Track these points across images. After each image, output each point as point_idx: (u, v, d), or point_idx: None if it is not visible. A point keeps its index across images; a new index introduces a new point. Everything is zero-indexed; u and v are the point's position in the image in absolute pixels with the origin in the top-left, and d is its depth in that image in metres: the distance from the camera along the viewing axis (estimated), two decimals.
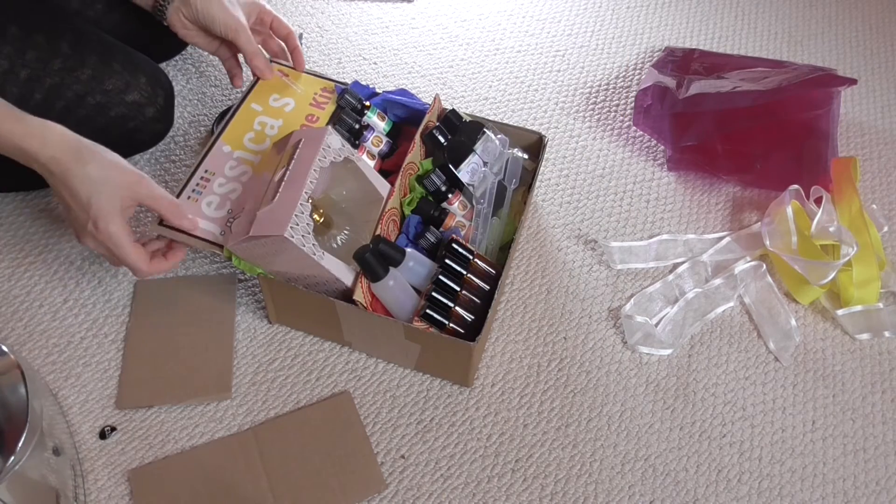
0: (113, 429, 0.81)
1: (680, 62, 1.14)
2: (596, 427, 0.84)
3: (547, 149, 0.97)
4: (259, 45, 0.93)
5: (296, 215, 0.72)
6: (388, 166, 0.93)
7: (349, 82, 0.97)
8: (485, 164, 0.91)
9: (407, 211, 0.88)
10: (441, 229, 0.87)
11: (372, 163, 0.91)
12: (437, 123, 0.92)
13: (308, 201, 0.74)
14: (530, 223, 1.01)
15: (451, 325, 0.78)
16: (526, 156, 0.96)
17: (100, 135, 0.80)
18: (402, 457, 0.81)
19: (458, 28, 1.26)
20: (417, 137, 0.90)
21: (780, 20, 1.33)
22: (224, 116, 0.91)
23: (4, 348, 0.70)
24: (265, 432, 0.81)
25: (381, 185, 0.84)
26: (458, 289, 0.80)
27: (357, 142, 0.91)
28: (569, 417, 0.85)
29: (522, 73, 1.20)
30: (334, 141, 0.80)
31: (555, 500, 0.79)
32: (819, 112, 1.02)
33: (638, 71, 1.22)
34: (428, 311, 0.77)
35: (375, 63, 1.19)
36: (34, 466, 0.68)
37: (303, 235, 0.72)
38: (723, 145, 1.04)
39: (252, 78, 0.96)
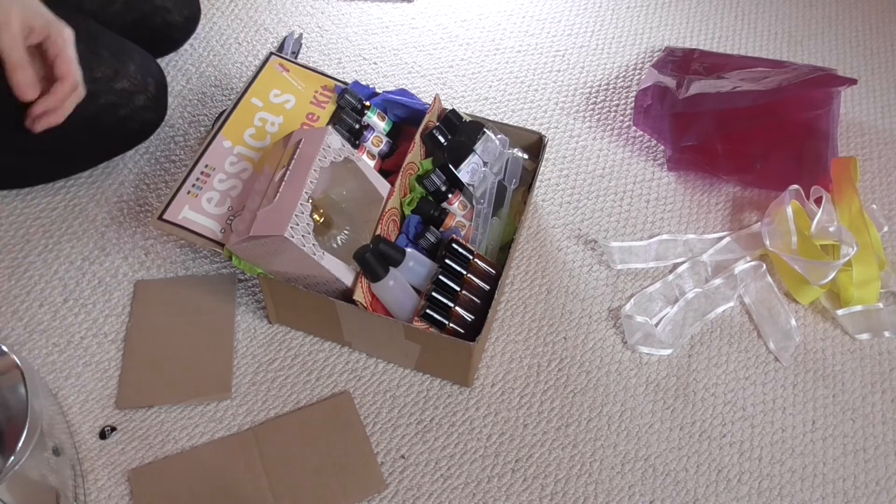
0: (113, 429, 0.81)
1: (680, 62, 1.14)
2: (596, 427, 0.84)
3: (547, 149, 0.97)
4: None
5: (296, 215, 0.72)
6: (388, 166, 0.93)
7: (349, 82, 0.97)
8: (485, 164, 0.91)
9: (407, 211, 0.88)
10: (441, 229, 0.87)
11: (372, 163, 0.91)
12: (437, 123, 0.92)
13: (308, 201, 0.74)
14: (530, 223, 1.01)
15: (451, 325, 0.78)
16: (526, 156, 0.96)
17: (91, 124, 0.79)
18: (402, 457, 0.81)
19: (458, 28, 1.26)
20: (417, 137, 0.90)
21: (780, 20, 1.33)
22: (222, 116, 0.90)
23: (4, 348, 0.70)
24: (265, 432, 0.81)
25: (381, 185, 0.84)
26: (458, 289, 0.80)
27: (357, 142, 0.91)
28: (569, 417, 0.85)
29: (522, 73, 1.20)
30: (334, 141, 0.80)
31: (555, 500, 0.79)
32: (819, 112, 1.02)
33: (638, 71, 1.22)
34: (428, 311, 0.77)
35: (375, 63, 1.19)
36: (34, 466, 0.68)
37: (303, 235, 0.72)
38: (723, 145, 1.04)
39: (257, 65, 0.94)
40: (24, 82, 0.74)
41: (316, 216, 0.79)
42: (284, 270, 0.79)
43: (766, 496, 0.81)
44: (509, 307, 0.93)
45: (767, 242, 0.97)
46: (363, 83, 0.97)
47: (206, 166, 0.85)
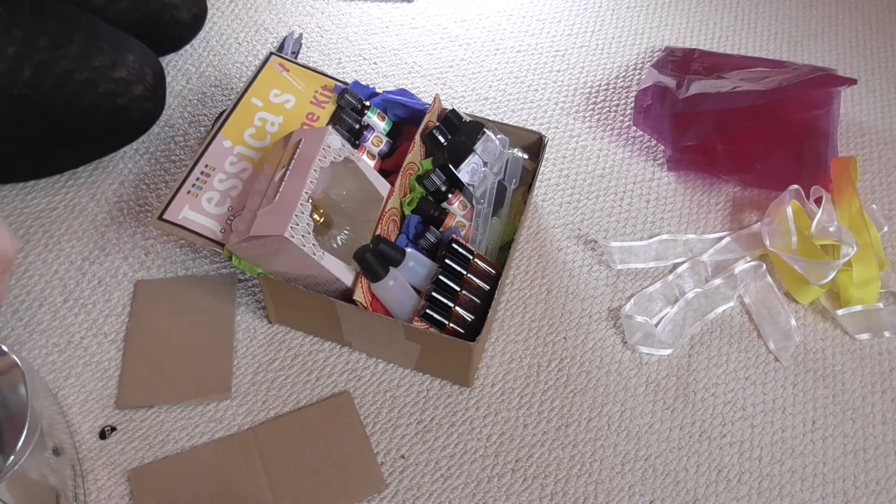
0: (113, 429, 0.81)
1: (680, 62, 1.14)
2: (596, 427, 0.84)
3: (547, 149, 0.97)
4: None
5: (296, 215, 0.72)
6: (388, 166, 0.93)
7: (349, 82, 0.97)
8: (485, 164, 0.91)
9: (407, 211, 0.88)
10: (441, 229, 0.87)
11: (372, 163, 0.91)
12: (437, 123, 0.92)
13: (308, 201, 0.74)
14: (530, 223, 1.01)
15: (451, 325, 0.78)
16: (526, 156, 0.96)
17: (89, 113, 0.79)
18: (402, 457, 0.81)
19: (458, 28, 1.26)
20: (417, 137, 0.89)
21: (780, 20, 1.33)
22: (222, 116, 0.90)
23: (4, 348, 0.70)
24: (265, 432, 0.81)
25: (381, 185, 0.84)
26: (458, 289, 0.80)
27: (357, 142, 0.91)
28: (569, 417, 0.85)
29: (522, 73, 1.20)
30: (334, 141, 0.80)
31: (555, 500, 0.79)
32: (819, 112, 1.02)
33: (638, 71, 1.22)
34: (428, 311, 0.77)
35: (375, 63, 1.19)
36: (34, 466, 0.68)
37: (303, 235, 0.72)
38: (723, 145, 1.04)
39: (257, 65, 0.94)
40: None
41: (316, 216, 0.79)
42: (284, 270, 0.79)
43: (766, 496, 0.81)
44: (509, 307, 0.93)
45: (767, 242, 0.97)
46: (363, 83, 0.97)
47: (206, 166, 0.85)
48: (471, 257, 0.82)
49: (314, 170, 0.76)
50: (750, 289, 0.96)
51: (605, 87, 1.19)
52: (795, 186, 0.99)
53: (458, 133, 0.91)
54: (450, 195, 0.88)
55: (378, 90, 0.98)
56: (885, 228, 1.02)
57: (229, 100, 1.12)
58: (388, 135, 0.94)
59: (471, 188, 0.89)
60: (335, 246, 0.82)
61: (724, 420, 0.86)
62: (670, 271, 0.97)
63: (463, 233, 0.88)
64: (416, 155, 0.90)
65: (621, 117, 1.15)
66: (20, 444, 0.64)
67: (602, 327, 0.92)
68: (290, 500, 0.77)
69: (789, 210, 0.97)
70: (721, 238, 1.00)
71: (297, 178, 0.76)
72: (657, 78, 1.10)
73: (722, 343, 0.92)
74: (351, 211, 0.85)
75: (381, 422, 0.83)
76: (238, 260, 0.79)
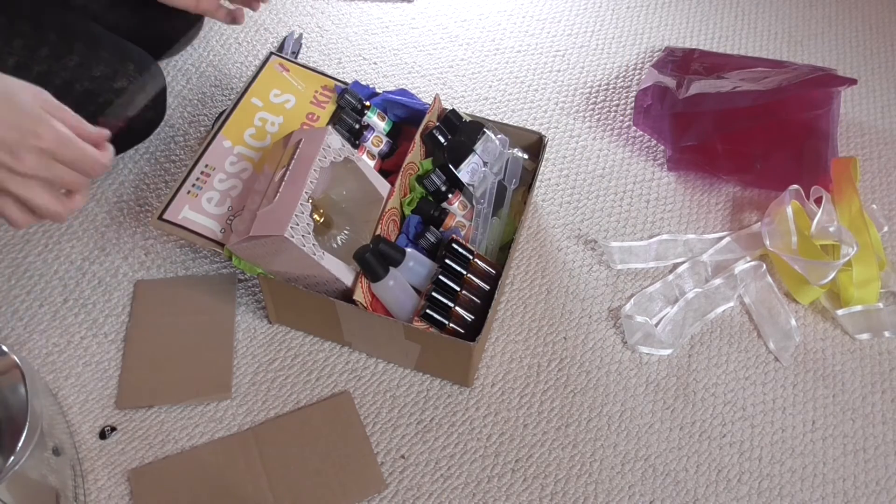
0: (113, 429, 0.81)
1: (680, 62, 1.14)
2: (596, 427, 0.84)
3: (547, 149, 0.97)
4: None
5: (296, 215, 0.72)
6: (388, 166, 0.93)
7: (349, 82, 0.97)
8: (485, 164, 0.91)
9: (407, 211, 0.88)
10: (441, 229, 0.87)
11: (372, 163, 0.91)
12: (437, 123, 0.92)
13: (308, 201, 0.74)
14: (530, 223, 1.01)
15: (451, 325, 0.78)
16: (526, 156, 0.96)
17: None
18: (402, 457, 0.81)
19: (458, 28, 1.26)
20: (417, 137, 0.89)
21: (780, 20, 1.33)
22: (222, 116, 0.90)
23: (4, 348, 0.70)
24: (265, 432, 0.81)
25: (381, 185, 0.84)
26: (458, 289, 0.80)
27: (357, 142, 0.91)
28: (569, 417, 0.85)
29: (522, 73, 1.20)
30: (334, 141, 0.80)
31: (555, 500, 0.79)
32: (819, 112, 1.02)
33: (638, 71, 1.22)
34: (428, 311, 0.77)
35: (375, 63, 1.19)
36: (34, 466, 0.68)
37: (303, 235, 0.72)
38: (723, 145, 1.04)
39: (257, 65, 0.94)
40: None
41: (316, 216, 0.79)
42: (284, 270, 0.79)
43: (766, 496, 0.81)
44: (509, 307, 0.93)
45: (767, 242, 0.97)
46: (363, 83, 0.97)
47: (206, 166, 0.85)
48: (471, 257, 0.82)
49: (314, 170, 0.76)
50: (750, 289, 0.96)
51: (605, 87, 1.19)
52: (795, 186, 0.99)
53: (458, 133, 0.91)
54: (450, 195, 0.88)
55: (378, 90, 0.98)
56: (885, 228, 1.02)
57: (229, 100, 1.12)
58: (388, 135, 0.94)
59: (471, 188, 0.89)
60: (335, 246, 0.82)
61: (724, 420, 0.86)
62: (670, 271, 0.97)
63: (463, 233, 0.88)
64: (416, 155, 0.90)
65: (621, 117, 1.15)
66: (20, 444, 0.64)
67: (602, 327, 0.92)
68: (290, 499, 0.77)
69: (789, 210, 0.97)
70: (721, 238, 1.00)
71: (297, 178, 0.76)
72: (657, 78, 1.10)
73: (722, 343, 0.92)
74: (351, 211, 0.85)
75: (381, 422, 0.83)
76: (238, 260, 0.79)
